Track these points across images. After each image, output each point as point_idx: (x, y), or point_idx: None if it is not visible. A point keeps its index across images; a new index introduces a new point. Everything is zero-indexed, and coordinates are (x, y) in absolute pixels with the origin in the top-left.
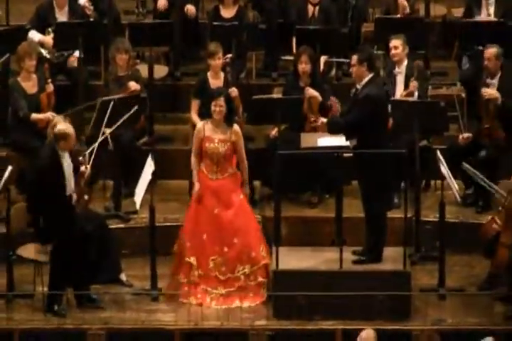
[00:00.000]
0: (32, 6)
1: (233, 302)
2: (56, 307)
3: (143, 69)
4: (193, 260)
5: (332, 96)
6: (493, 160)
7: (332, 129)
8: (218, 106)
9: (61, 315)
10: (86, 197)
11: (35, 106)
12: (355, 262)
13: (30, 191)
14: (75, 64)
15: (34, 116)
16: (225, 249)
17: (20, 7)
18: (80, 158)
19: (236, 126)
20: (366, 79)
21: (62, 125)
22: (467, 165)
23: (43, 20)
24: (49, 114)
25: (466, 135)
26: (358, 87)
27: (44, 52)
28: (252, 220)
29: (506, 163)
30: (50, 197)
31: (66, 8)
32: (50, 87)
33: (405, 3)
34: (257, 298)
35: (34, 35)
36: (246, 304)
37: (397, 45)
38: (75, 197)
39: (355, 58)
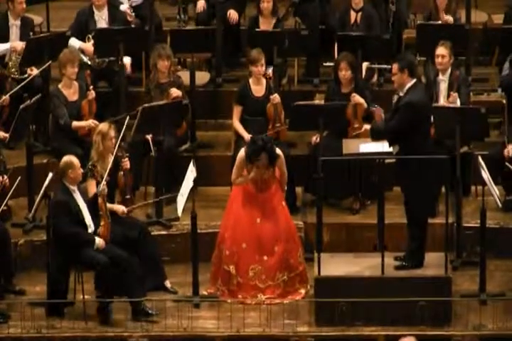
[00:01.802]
0: (73, 13)
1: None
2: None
3: (185, 76)
4: (232, 268)
5: (375, 105)
6: None
7: (375, 136)
8: (262, 166)
9: (105, 322)
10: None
11: (76, 114)
12: (397, 268)
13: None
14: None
15: (75, 123)
16: (265, 258)
17: (60, 14)
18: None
19: (278, 151)
20: (408, 85)
21: (66, 156)
22: (509, 165)
23: (83, 27)
24: (90, 122)
25: (510, 149)
26: (401, 93)
27: (85, 58)
28: (291, 226)
29: None
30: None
31: (106, 14)
32: (92, 94)
33: (449, 18)
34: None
35: (75, 43)
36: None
37: (444, 54)
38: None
39: (395, 67)
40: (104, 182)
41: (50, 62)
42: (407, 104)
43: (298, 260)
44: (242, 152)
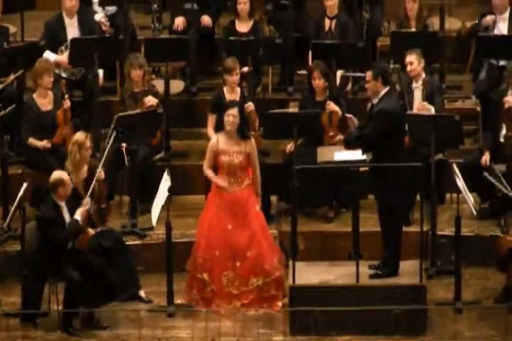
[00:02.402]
0: None
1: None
2: (70, 327)
3: (159, 85)
4: (205, 276)
5: (348, 114)
6: None
7: (348, 144)
8: (231, 116)
9: (74, 334)
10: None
11: (51, 123)
12: (371, 276)
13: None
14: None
15: (31, 141)
16: (238, 264)
17: (34, 23)
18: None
19: (251, 138)
20: (382, 93)
21: (56, 172)
22: (487, 175)
23: (54, 37)
24: (45, 143)
25: (487, 156)
26: (374, 101)
27: (61, 72)
28: (266, 231)
29: None
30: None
31: (76, 21)
32: (67, 103)
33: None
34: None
35: (49, 56)
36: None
37: (412, 60)
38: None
39: (369, 74)
40: (88, 198)
41: (22, 71)
42: (381, 112)
43: (274, 265)
44: (213, 139)
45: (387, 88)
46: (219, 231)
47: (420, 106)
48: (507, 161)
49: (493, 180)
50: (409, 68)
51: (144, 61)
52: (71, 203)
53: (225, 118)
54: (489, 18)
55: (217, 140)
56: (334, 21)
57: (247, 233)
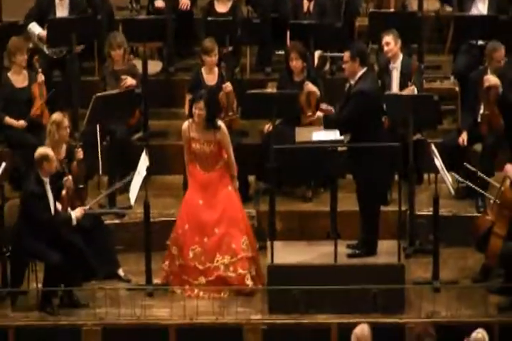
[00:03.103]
0: (26, 2)
1: (221, 292)
2: (48, 307)
3: (137, 65)
4: (174, 249)
5: (324, 104)
6: (493, 151)
7: (327, 124)
8: (198, 109)
9: (52, 313)
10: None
11: (26, 99)
12: (349, 256)
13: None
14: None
15: (7, 120)
16: (205, 239)
17: (13, 3)
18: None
19: (220, 123)
20: (359, 74)
21: (41, 148)
22: (468, 165)
23: (43, 13)
24: (22, 123)
25: (465, 137)
26: (352, 82)
27: (43, 47)
28: (239, 212)
29: (501, 154)
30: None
31: (67, 3)
32: (41, 77)
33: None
34: (240, 289)
35: (35, 28)
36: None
37: (388, 40)
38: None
39: (347, 55)
40: (69, 177)
41: None
42: (358, 93)
43: (241, 246)
44: (184, 125)
45: (365, 69)
46: (191, 205)
47: (409, 91)
48: (482, 140)
49: (473, 169)
50: (386, 49)
51: (122, 39)
52: (52, 182)
53: (193, 110)
54: None
55: (188, 127)
56: (312, 2)
57: (217, 210)
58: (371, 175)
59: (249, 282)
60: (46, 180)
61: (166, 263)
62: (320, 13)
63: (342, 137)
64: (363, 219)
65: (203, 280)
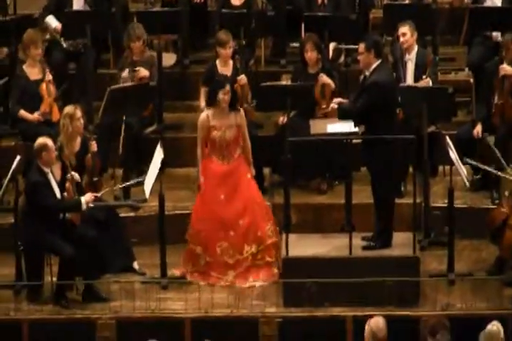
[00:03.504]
0: None
1: (247, 281)
2: (63, 300)
3: None
4: (198, 249)
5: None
6: (505, 141)
7: (342, 115)
8: (225, 93)
9: (67, 307)
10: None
11: (39, 92)
12: (364, 248)
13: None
14: None
15: (22, 113)
16: (231, 233)
17: None
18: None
19: (240, 109)
20: (374, 65)
21: (41, 138)
22: (469, 160)
23: (60, 5)
24: (37, 116)
25: (479, 128)
26: (367, 73)
27: (60, 39)
28: (259, 199)
29: None
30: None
31: None
32: (49, 76)
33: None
34: (268, 277)
35: (51, 21)
36: (259, 283)
37: (405, 31)
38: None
39: (362, 46)
40: (73, 172)
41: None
42: (373, 84)
43: (266, 233)
44: (203, 115)
45: (380, 60)
46: (211, 202)
47: (424, 83)
48: (496, 132)
49: (474, 163)
50: (402, 39)
51: (142, 31)
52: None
53: (221, 96)
54: None
55: (207, 116)
56: None
57: (240, 201)
58: (385, 167)
59: (275, 270)
60: (47, 170)
61: (190, 264)
62: (334, 5)
63: (357, 129)
64: (378, 212)
65: (232, 273)
